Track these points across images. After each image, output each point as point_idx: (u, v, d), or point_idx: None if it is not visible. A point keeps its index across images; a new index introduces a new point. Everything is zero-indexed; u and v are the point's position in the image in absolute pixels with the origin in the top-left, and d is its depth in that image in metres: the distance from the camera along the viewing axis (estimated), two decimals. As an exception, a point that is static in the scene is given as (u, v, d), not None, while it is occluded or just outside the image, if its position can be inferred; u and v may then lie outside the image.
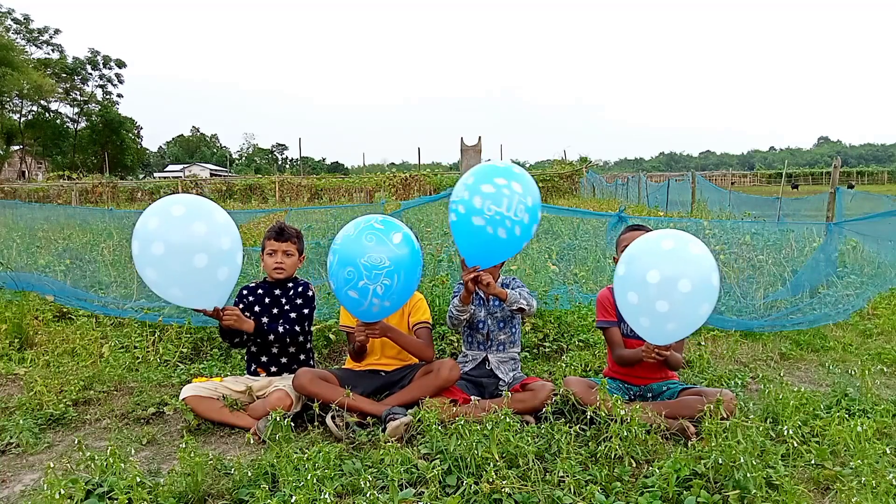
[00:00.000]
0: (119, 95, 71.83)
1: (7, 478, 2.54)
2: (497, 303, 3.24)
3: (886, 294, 5.55)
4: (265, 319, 3.23)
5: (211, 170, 70.39)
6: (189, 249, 2.58)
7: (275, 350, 3.27)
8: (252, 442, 2.68)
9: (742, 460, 2.16)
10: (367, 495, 2.08)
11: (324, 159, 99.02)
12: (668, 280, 2.44)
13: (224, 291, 2.81)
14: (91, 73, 63.75)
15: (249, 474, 2.32)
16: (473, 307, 3.21)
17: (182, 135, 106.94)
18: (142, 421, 3.12)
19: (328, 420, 2.78)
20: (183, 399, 2.99)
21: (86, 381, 3.49)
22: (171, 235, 2.58)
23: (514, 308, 3.10)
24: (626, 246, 3.05)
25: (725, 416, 2.51)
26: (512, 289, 3.15)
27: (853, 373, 3.64)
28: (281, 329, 3.20)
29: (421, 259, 2.82)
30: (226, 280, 2.74)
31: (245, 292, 3.35)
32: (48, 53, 59.87)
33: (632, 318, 2.66)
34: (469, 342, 3.33)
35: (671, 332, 2.60)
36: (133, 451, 2.54)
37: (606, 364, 3.35)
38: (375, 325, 2.91)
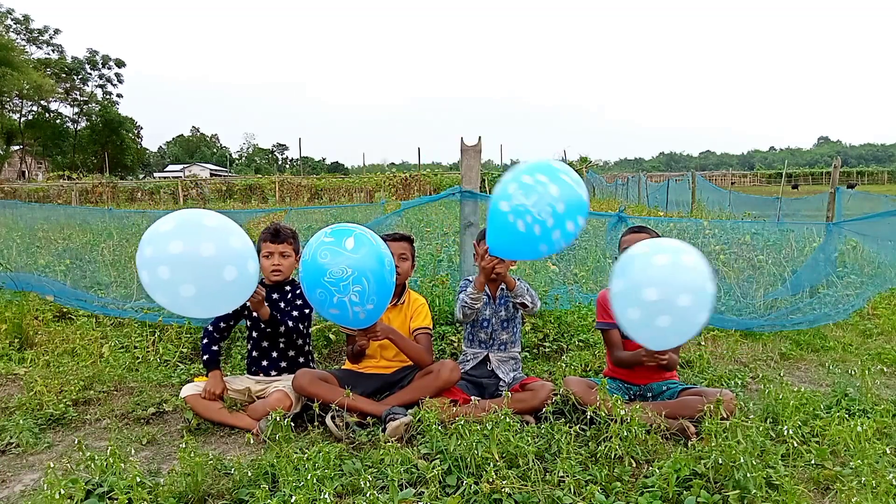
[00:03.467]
0: (119, 95, 71.94)
1: (7, 478, 2.54)
2: (502, 301, 3.24)
3: (886, 294, 5.55)
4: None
5: (211, 170, 70.41)
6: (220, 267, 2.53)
7: (275, 354, 3.27)
8: (252, 442, 2.68)
9: (742, 460, 2.16)
10: (367, 495, 2.07)
11: (324, 159, 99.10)
12: (666, 296, 2.43)
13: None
14: (91, 73, 63.85)
15: (249, 474, 2.32)
16: (484, 298, 3.19)
17: (182, 135, 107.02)
18: (142, 421, 3.12)
19: (328, 420, 2.78)
20: (183, 398, 3.00)
21: (86, 381, 3.49)
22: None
23: (518, 301, 3.10)
24: (626, 248, 3.06)
25: (725, 416, 2.51)
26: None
27: (853, 373, 3.64)
28: (291, 323, 3.20)
29: (384, 250, 2.77)
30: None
31: None
32: (48, 53, 60.00)
33: (632, 331, 2.66)
34: (471, 340, 3.33)
35: (670, 341, 2.62)
36: (133, 451, 2.53)
37: (606, 364, 3.35)
38: (375, 329, 2.91)
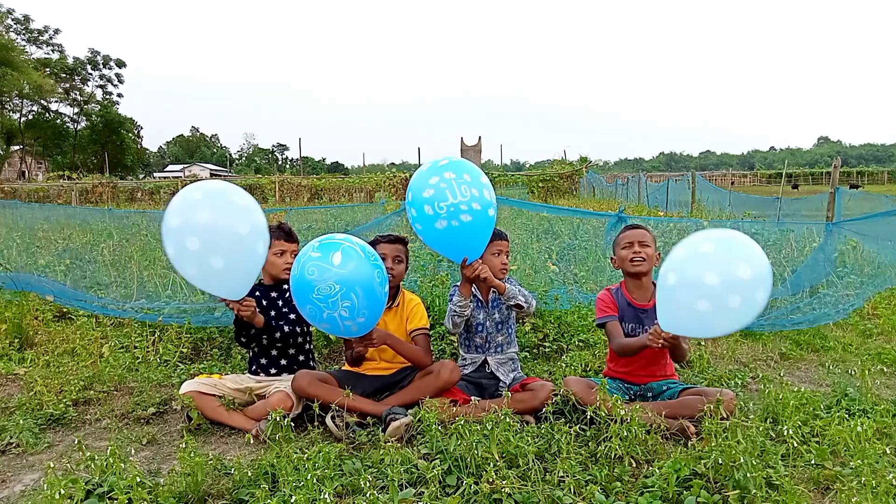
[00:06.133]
0: (119, 95, 71.88)
1: (7, 478, 2.54)
2: (495, 304, 3.23)
3: (886, 294, 5.55)
4: None
5: (211, 170, 70.45)
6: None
7: (274, 352, 3.27)
8: (252, 442, 2.68)
9: (742, 460, 2.16)
10: (367, 495, 2.07)
11: (324, 159, 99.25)
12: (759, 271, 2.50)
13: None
14: (91, 73, 63.87)
15: (249, 474, 2.32)
16: (472, 305, 3.20)
17: (182, 135, 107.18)
18: (142, 421, 3.12)
19: (328, 420, 2.78)
20: (183, 393, 3.00)
21: (86, 381, 3.49)
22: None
23: (512, 303, 3.08)
24: (628, 243, 3.09)
25: (725, 416, 2.51)
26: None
27: (853, 373, 3.64)
28: (286, 329, 3.21)
29: (374, 261, 2.76)
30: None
31: None
32: (48, 53, 60.03)
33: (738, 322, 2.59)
34: (467, 345, 3.32)
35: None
36: (133, 451, 2.54)
37: (606, 364, 3.35)
38: (371, 336, 2.90)
